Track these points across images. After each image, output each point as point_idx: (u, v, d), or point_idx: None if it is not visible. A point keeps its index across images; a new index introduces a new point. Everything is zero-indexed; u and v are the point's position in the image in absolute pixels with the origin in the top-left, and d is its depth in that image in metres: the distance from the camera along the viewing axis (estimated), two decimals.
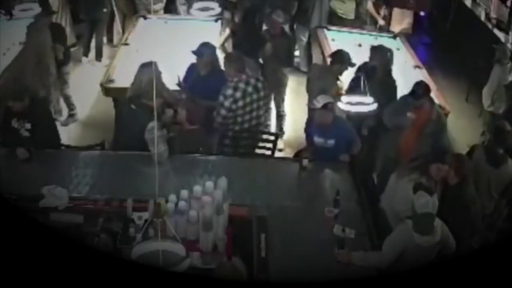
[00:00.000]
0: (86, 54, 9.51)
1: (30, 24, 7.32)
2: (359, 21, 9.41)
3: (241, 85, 5.98)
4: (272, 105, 7.58)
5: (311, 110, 6.06)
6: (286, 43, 7.74)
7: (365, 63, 6.72)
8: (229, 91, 5.95)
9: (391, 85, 6.59)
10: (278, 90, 7.63)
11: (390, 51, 6.76)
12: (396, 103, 6.23)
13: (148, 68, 5.75)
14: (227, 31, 8.21)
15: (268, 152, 6.34)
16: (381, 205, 5.26)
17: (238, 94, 5.96)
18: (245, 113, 6.07)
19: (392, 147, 6.08)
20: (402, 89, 6.54)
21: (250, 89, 6.03)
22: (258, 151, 6.39)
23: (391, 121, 6.07)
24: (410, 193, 4.59)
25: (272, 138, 6.50)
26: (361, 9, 9.39)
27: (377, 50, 6.67)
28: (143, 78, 5.68)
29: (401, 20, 8.90)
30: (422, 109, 5.90)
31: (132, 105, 5.54)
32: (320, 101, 5.72)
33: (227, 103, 5.94)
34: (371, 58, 6.62)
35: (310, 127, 6.11)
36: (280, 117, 7.84)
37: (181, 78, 6.49)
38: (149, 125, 5.17)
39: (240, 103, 5.99)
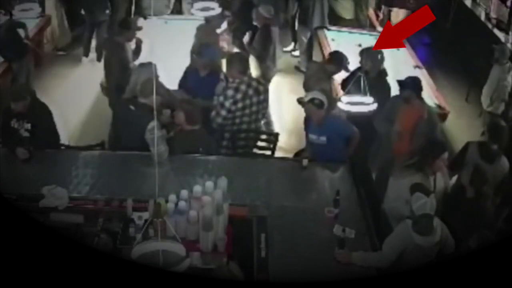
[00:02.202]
0: (86, 54, 9.51)
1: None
2: (358, 23, 9.42)
3: (243, 87, 5.96)
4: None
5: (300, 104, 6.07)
6: (265, 39, 7.72)
7: (358, 68, 6.64)
8: (230, 92, 5.93)
9: (385, 87, 6.57)
10: None
11: (380, 52, 6.70)
12: (385, 109, 6.18)
13: (145, 68, 5.75)
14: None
15: (268, 153, 6.33)
16: (381, 206, 5.26)
17: (239, 96, 5.94)
18: (244, 115, 6.05)
19: (389, 147, 6.07)
20: None
21: (251, 91, 6.01)
22: (256, 151, 6.38)
23: (381, 127, 6.10)
24: (407, 191, 4.59)
25: (271, 138, 6.49)
26: (360, 14, 9.40)
27: (367, 53, 6.65)
28: (141, 78, 5.67)
29: (394, 22, 8.92)
30: (413, 107, 5.88)
31: (131, 106, 5.54)
32: (308, 96, 5.75)
33: (227, 104, 5.92)
34: (362, 62, 6.58)
35: (306, 124, 6.13)
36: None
37: (180, 79, 6.49)
38: (150, 125, 5.16)
39: (240, 105, 5.97)
